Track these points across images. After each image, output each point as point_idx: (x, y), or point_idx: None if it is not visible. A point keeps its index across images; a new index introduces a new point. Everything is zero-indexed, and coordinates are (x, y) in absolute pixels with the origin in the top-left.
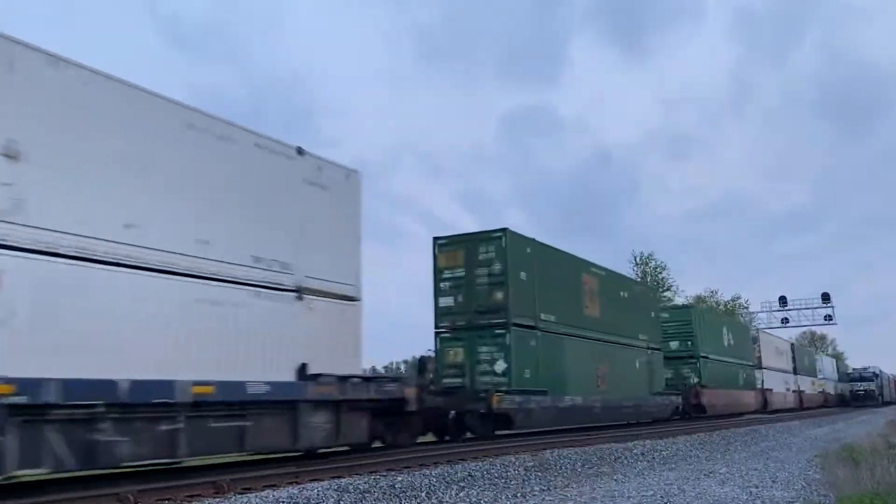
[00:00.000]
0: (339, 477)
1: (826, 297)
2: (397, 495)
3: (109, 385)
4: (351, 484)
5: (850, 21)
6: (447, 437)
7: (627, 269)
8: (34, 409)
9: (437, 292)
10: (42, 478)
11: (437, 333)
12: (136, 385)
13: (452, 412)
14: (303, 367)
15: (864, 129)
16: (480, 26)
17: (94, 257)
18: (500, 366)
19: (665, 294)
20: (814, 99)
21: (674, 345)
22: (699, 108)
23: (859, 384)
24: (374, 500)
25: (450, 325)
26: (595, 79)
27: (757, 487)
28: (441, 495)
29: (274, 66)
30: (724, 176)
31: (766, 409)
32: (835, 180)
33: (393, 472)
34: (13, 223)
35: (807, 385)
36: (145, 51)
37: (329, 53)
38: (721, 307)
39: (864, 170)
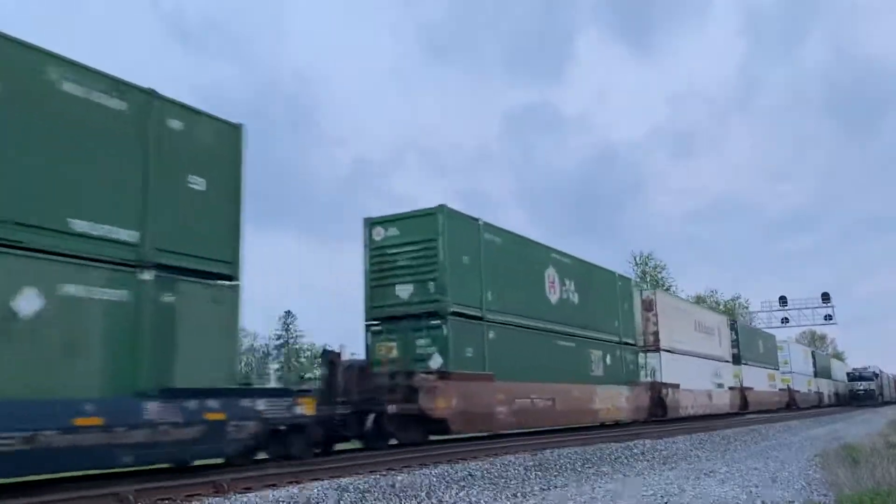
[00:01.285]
0: (339, 476)
1: (826, 297)
2: (397, 495)
3: None
4: (351, 483)
5: (857, 18)
6: None
7: (628, 269)
8: None
9: None
10: (42, 478)
11: None
12: None
13: None
14: None
15: (869, 127)
16: (487, 22)
17: None
18: None
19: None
20: (820, 96)
21: (404, 291)
22: (705, 105)
23: (859, 384)
24: (374, 500)
25: None
26: (601, 75)
27: (757, 487)
28: (441, 495)
29: (277, 63)
30: (727, 175)
31: (664, 414)
32: (838, 179)
33: (393, 472)
34: None
35: (759, 380)
36: (148, 43)
37: (334, 50)
38: (721, 307)
39: (868, 169)
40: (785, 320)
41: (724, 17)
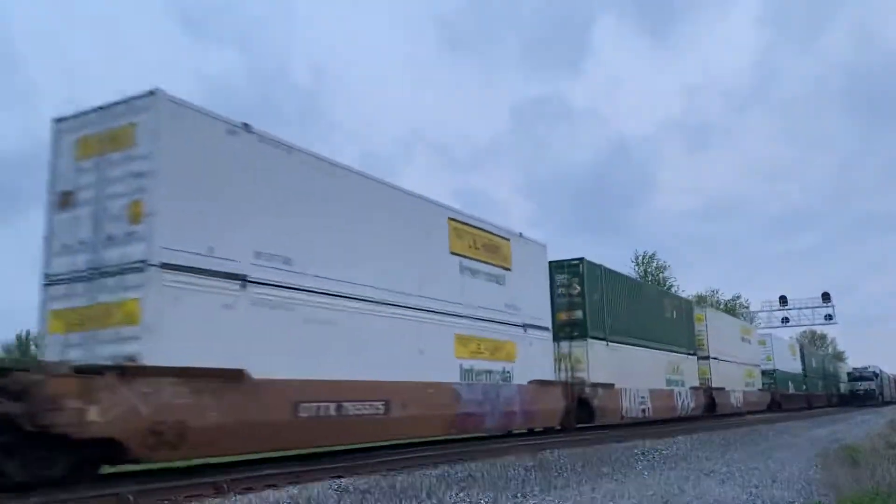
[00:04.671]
0: (339, 477)
1: (826, 297)
2: (397, 495)
3: None
4: (351, 484)
5: (882, 6)
6: None
7: (629, 269)
8: None
9: None
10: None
11: None
12: None
13: None
14: None
15: (889, 121)
16: (505, 11)
17: None
18: None
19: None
20: (840, 88)
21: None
22: (721, 97)
23: (859, 384)
24: (375, 500)
25: None
26: (618, 66)
27: (757, 487)
28: (441, 495)
29: (287, 55)
30: (739, 170)
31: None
32: (849, 176)
33: (393, 472)
34: None
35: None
36: (153, 31)
37: (347, 42)
38: (722, 307)
39: (884, 164)
40: (785, 320)
41: (744, 3)
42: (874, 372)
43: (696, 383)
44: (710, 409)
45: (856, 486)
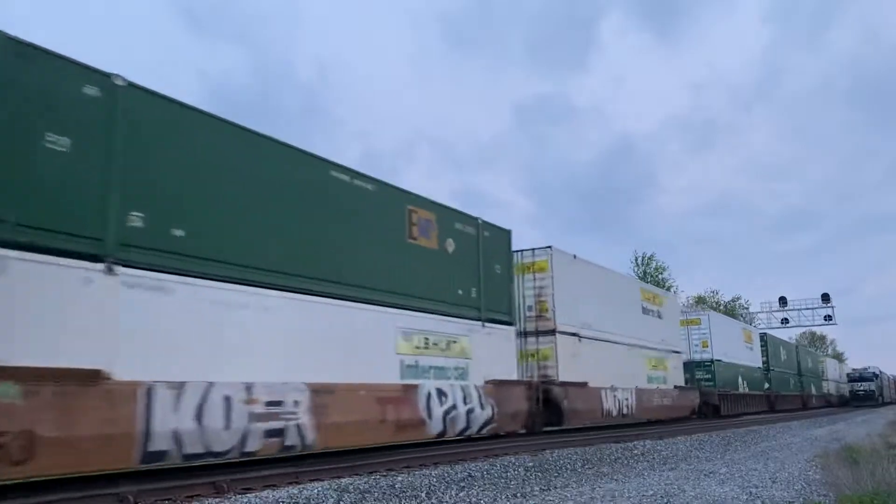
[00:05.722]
0: (339, 477)
1: (826, 298)
2: (397, 495)
3: None
4: (351, 484)
5: (887, 4)
6: None
7: (628, 269)
8: None
9: None
10: (42, 478)
11: None
12: None
13: None
14: None
15: (890, 120)
16: (510, 9)
17: None
18: None
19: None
20: (843, 87)
21: None
22: (726, 95)
23: (859, 384)
24: (374, 500)
25: None
26: (624, 64)
27: (757, 487)
28: (441, 495)
29: (291, 53)
30: (738, 170)
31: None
32: (848, 177)
33: (393, 472)
34: None
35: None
36: (155, 29)
37: (351, 40)
38: (722, 308)
39: (881, 166)
40: (785, 321)
41: (750, 0)
42: (874, 373)
43: (513, 375)
44: (553, 420)
45: (855, 486)
